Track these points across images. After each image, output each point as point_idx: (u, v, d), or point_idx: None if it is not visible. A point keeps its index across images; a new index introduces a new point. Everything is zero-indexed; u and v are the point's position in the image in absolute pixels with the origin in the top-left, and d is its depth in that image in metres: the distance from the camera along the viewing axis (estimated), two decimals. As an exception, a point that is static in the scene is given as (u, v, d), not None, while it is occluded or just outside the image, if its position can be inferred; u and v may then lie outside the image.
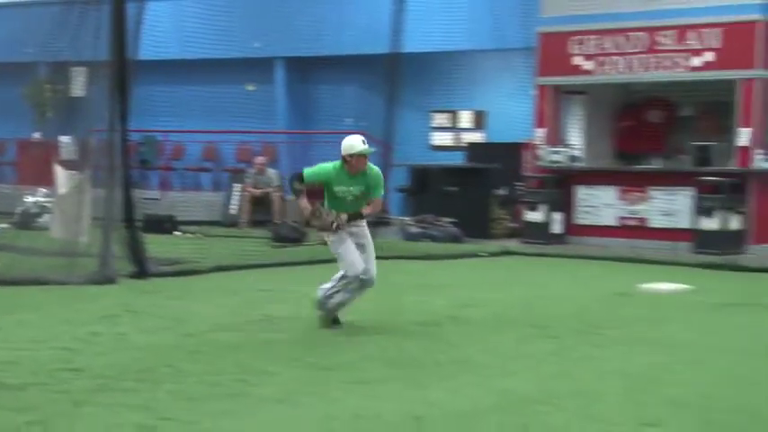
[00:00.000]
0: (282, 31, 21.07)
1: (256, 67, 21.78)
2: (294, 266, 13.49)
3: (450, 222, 16.69)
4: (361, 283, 8.76)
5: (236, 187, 19.77)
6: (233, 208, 19.71)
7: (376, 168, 8.78)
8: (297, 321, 9.22)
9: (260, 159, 19.65)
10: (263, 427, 5.89)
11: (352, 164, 8.59)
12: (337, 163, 8.67)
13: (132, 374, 6.98)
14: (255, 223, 18.54)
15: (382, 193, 8.86)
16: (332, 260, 13.79)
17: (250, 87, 22.39)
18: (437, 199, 17.54)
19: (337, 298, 8.84)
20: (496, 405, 6.36)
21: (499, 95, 19.99)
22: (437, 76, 20.57)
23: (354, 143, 8.62)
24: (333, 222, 8.60)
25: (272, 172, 19.55)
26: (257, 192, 19.10)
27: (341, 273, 8.78)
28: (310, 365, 7.41)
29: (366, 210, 8.78)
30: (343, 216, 8.63)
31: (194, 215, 19.24)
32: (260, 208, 19.01)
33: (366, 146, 8.65)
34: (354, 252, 8.68)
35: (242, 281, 12.00)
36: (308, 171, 8.76)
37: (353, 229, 8.74)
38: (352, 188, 8.66)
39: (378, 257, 14.93)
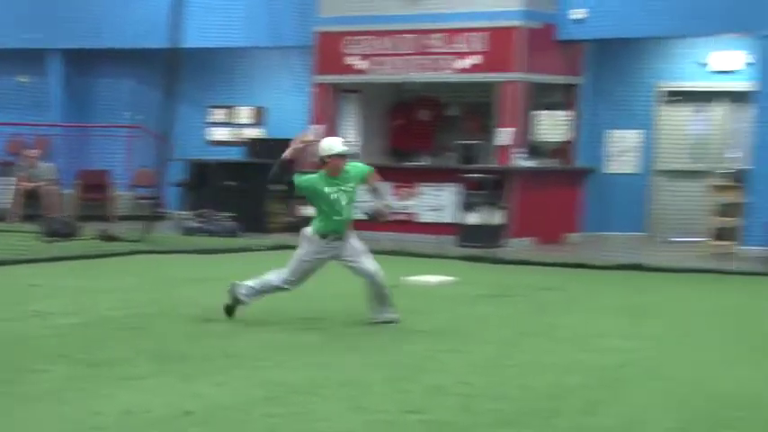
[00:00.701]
0: (59, 23, 20.43)
1: (30, 59, 21.09)
2: (66, 261, 13.24)
3: (228, 217, 16.74)
4: (277, 288, 9.06)
5: (6, 180, 19.16)
6: (3, 202, 19.10)
7: (353, 162, 9.08)
8: (68, 317, 9.10)
9: (32, 152, 19.09)
10: (25, 426, 5.79)
11: (332, 165, 8.77)
12: (320, 172, 8.86)
13: None
14: (27, 217, 18.02)
15: (366, 169, 9.11)
16: (103, 255, 13.75)
17: (23, 79, 21.68)
18: (215, 194, 17.55)
19: (253, 297, 9.03)
20: (264, 397, 6.47)
21: (278, 92, 20.05)
22: (217, 72, 20.47)
23: (333, 144, 8.89)
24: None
25: (44, 165, 19.05)
26: (30, 185, 18.59)
27: (279, 279, 8.99)
28: (79, 362, 7.33)
29: (371, 181, 9.07)
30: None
31: (-40, 209, 18.58)
32: (32, 201, 18.50)
33: (345, 147, 8.87)
34: (307, 273, 9.02)
35: (11, 276, 11.67)
36: (297, 179, 8.91)
37: (337, 244, 8.96)
38: (342, 186, 8.81)
39: (153, 252, 14.80)
